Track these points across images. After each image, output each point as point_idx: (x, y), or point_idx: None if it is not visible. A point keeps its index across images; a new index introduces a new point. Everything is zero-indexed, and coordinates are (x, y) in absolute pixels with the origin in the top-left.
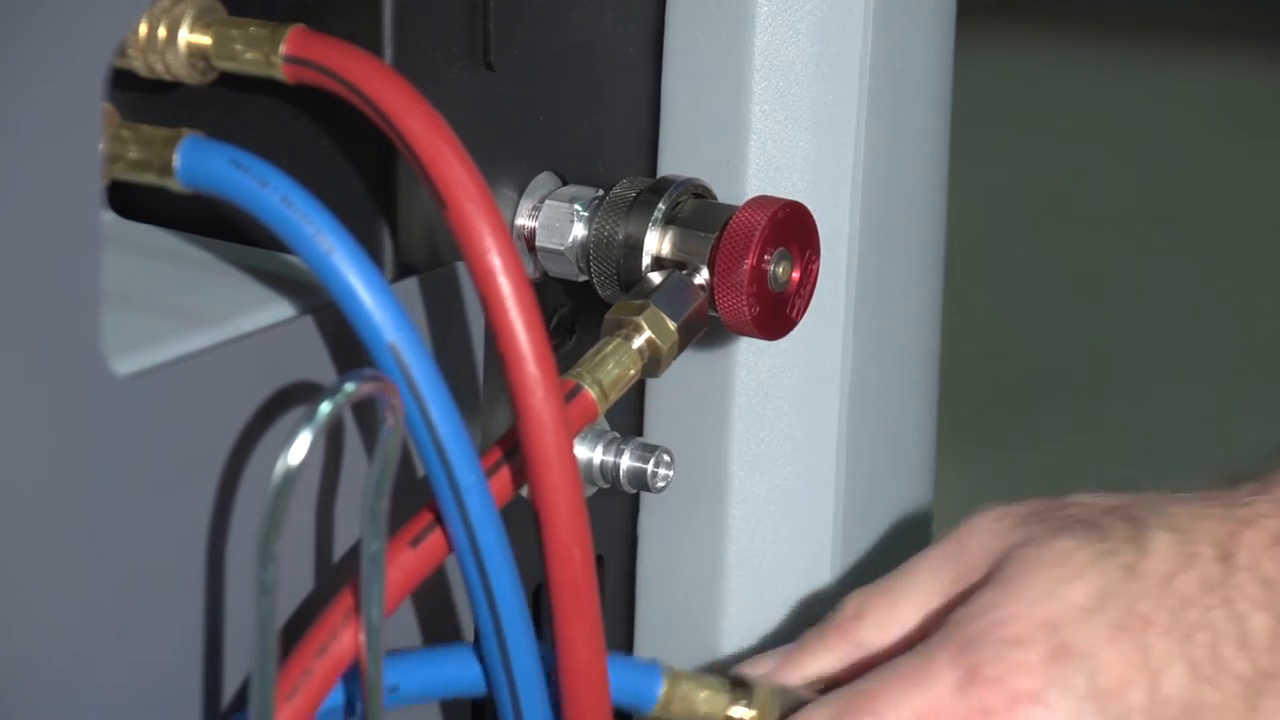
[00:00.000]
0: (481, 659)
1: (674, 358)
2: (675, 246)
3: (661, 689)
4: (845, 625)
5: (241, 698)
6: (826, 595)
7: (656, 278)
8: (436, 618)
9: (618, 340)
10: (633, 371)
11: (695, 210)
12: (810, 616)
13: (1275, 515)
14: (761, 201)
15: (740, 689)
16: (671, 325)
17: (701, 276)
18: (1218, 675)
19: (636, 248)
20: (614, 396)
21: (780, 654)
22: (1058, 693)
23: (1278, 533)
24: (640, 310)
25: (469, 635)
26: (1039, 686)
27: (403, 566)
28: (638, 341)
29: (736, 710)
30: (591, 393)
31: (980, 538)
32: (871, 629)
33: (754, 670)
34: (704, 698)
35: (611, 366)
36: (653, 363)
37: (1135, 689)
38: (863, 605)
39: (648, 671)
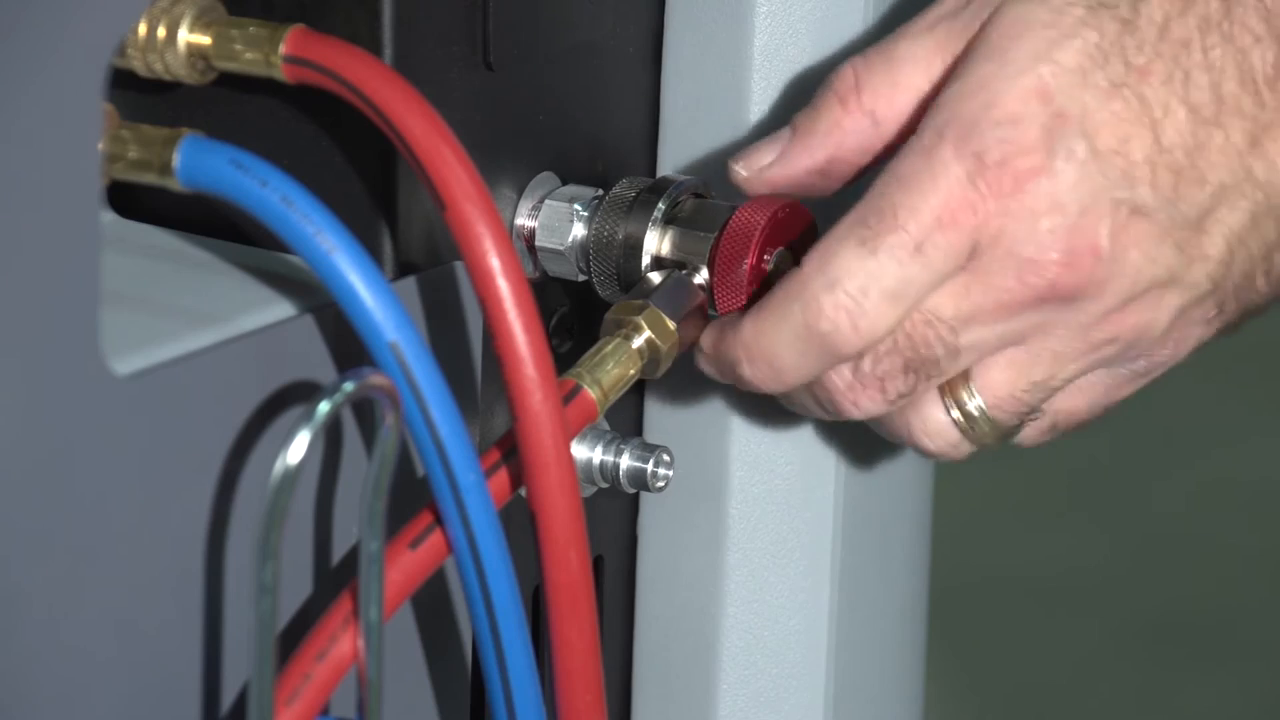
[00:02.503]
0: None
1: (674, 358)
2: (675, 246)
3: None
4: (847, 98)
5: (241, 699)
6: (826, 595)
7: (656, 277)
8: (435, 619)
9: (617, 340)
10: (632, 371)
11: (695, 210)
12: (809, 617)
13: None
14: (762, 201)
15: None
16: (671, 325)
17: (701, 276)
18: (1220, 115)
19: (636, 248)
20: (614, 397)
21: (779, 141)
22: (1061, 162)
23: None
24: (640, 310)
25: (467, 637)
26: (1041, 160)
27: (403, 569)
28: (637, 341)
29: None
30: (591, 393)
31: None
32: (878, 98)
33: (754, 162)
34: (611, 366)
35: (611, 366)
36: (652, 363)
37: (1136, 142)
38: (860, 73)
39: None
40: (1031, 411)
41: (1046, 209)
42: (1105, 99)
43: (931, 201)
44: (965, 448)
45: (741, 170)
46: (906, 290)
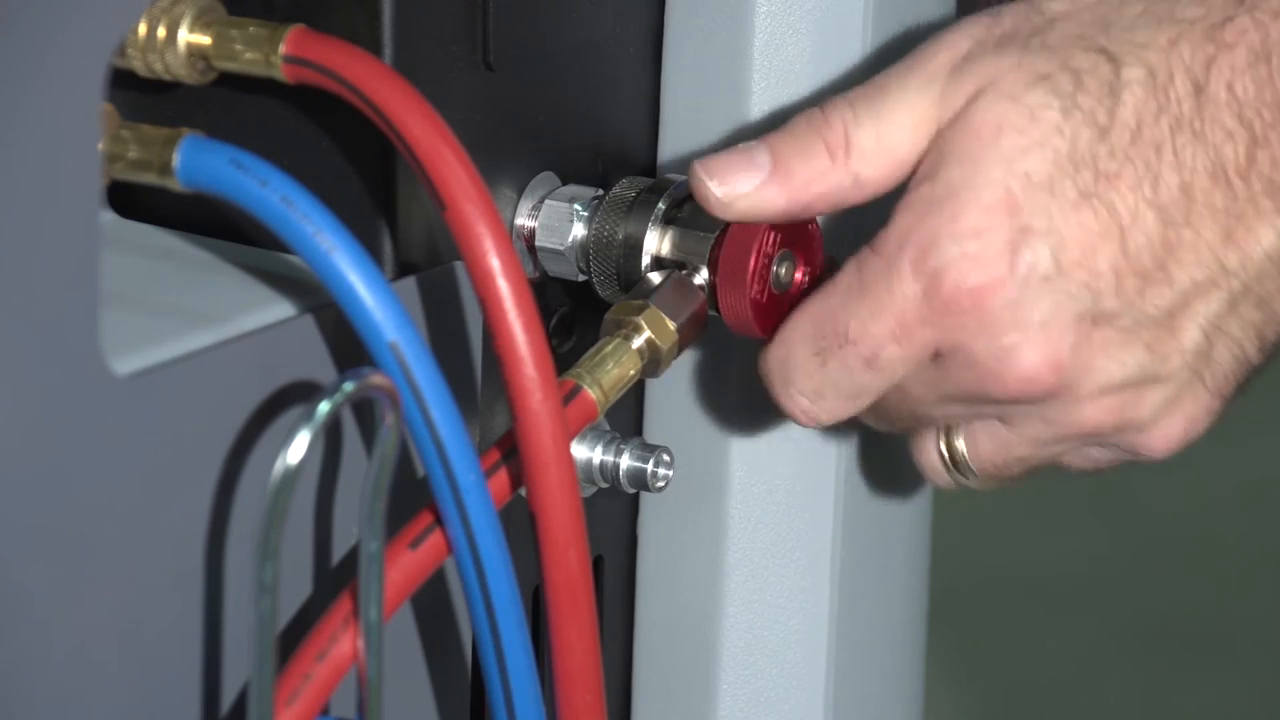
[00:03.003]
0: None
1: (674, 358)
2: (675, 246)
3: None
4: (835, 153)
5: (241, 699)
6: (826, 595)
7: (656, 278)
8: (435, 619)
9: (617, 340)
10: (632, 372)
11: (695, 210)
12: (809, 617)
13: (1255, 29)
14: None
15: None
16: (671, 325)
17: (701, 276)
18: (1190, 214)
19: (636, 248)
20: (614, 397)
21: (756, 170)
22: (1023, 278)
23: (1258, 49)
24: (640, 310)
25: (467, 637)
26: (1003, 276)
27: (403, 569)
28: (637, 341)
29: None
30: (591, 393)
31: (969, 60)
32: (864, 161)
33: (729, 187)
34: (611, 367)
35: (611, 366)
36: (652, 363)
37: (1102, 253)
38: (850, 131)
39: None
40: (1018, 478)
41: (1007, 326)
42: (1073, 210)
43: (885, 318)
44: (955, 482)
45: (716, 190)
46: (864, 392)
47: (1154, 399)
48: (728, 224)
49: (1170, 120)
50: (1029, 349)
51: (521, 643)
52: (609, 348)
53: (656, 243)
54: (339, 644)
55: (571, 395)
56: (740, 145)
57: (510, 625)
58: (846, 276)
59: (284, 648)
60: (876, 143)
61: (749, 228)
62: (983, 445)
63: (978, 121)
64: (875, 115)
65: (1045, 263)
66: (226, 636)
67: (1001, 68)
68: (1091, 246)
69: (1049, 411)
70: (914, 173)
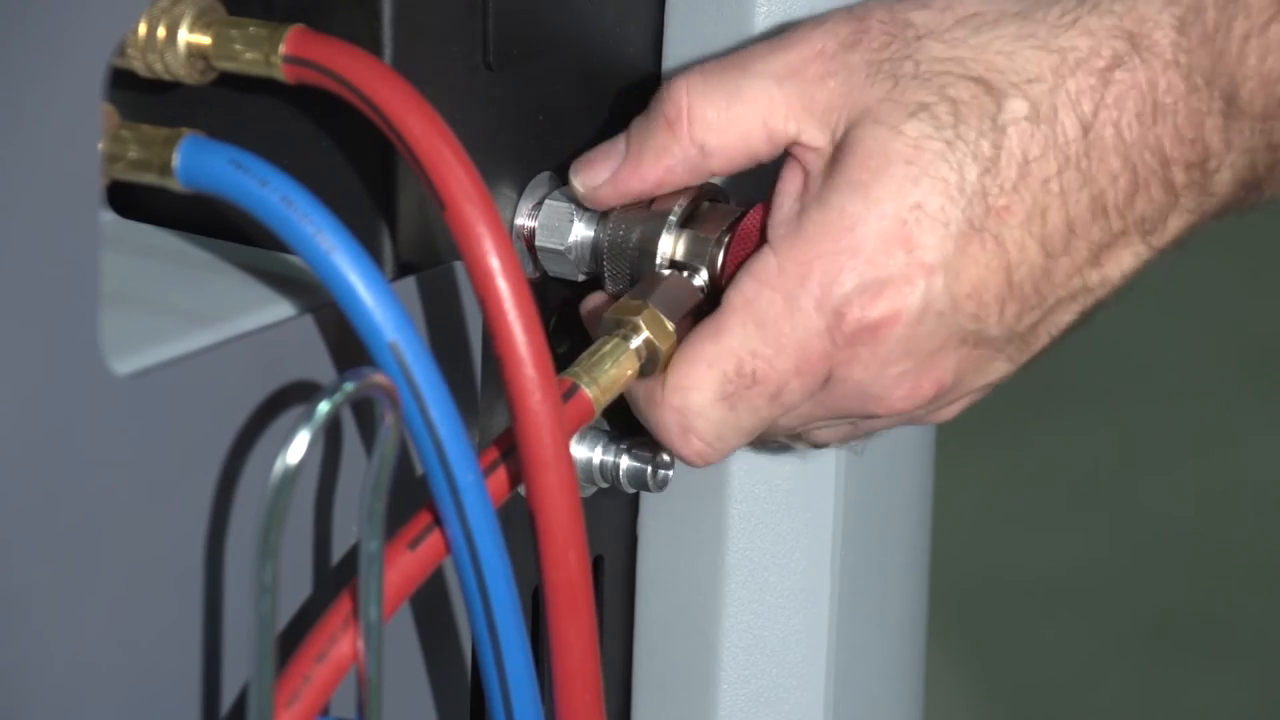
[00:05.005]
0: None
1: (672, 358)
2: (688, 250)
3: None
4: (676, 124)
5: (241, 699)
6: (826, 595)
7: (665, 273)
8: (435, 619)
9: (615, 340)
10: (630, 372)
11: (707, 213)
12: (809, 617)
13: (1144, 76)
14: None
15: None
16: (670, 326)
17: (701, 278)
18: (1069, 245)
19: (650, 250)
20: (611, 396)
21: (613, 157)
22: (918, 314)
23: (1145, 93)
24: (638, 310)
25: (467, 637)
26: (899, 310)
27: (401, 569)
28: (635, 342)
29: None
30: (588, 392)
31: (832, 74)
32: (709, 131)
33: (589, 179)
34: (609, 366)
35: (608, 366)
36: (650, 363)
37: (990, 285)
38: (694, 102)
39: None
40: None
41: (899, 356)
42: (965, 244)
43: (790, 354)
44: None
45: (579, 185)
46: (761, 426)
47: (988, 387)
48: (737, 225)
49: (1058, 157)
50: (918, 377)
51: (520, 643)
52: (607, 347)
53: (670, 246)
54: (339, 645)
55: (569, 394)
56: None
57: (508, 625)
58: (737, 315)
59: (284, 648)
60: (724, 116)
61: (752, 231)
62: (824, 437)
63: (863, 150)
64: (729, 91)
65: (940, 298)
66: (226, 636)
67: (875, 95)
68: (981, 279)
69: (907, 416)
70: (779, 175)
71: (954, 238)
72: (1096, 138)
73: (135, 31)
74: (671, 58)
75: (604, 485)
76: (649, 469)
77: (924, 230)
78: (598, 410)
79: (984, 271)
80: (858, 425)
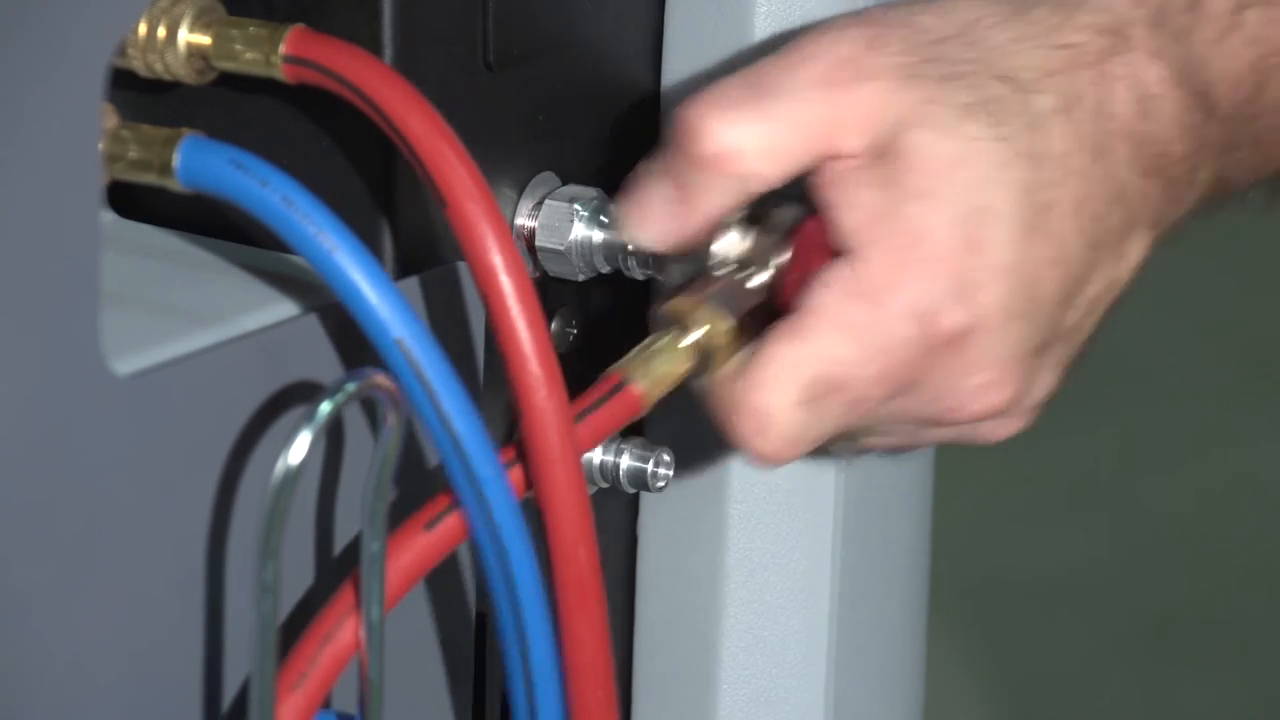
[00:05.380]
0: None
1: (729, 359)
2: (749, 250)
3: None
4: (722, 163)
5: (242, 699)
6: (826, 595)
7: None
8: (438, 616)
9: (670, 336)
10: (684, 368)
11: (763, 213)
12: (809, 617)
13: (1137, 65)
14: None
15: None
16: (727, 324)
17: (762, 278)
18: (1103, 237)
19: (706, 249)
20: (662, 392)
21: (660, 204)
22: (995, 318)
23: (1134, 87)
24: (695, 307)
25: (470, 633)
26: (976, 318)
27: (417, 550)
28: (691, 338)
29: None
30: (638, 387)
31: (864, 79)
32: (757, 160)
33: (650, 234)
34: (662, 362)
35: (661, 362)
36: (705, 360)
37: (1050, 283)
38: (732, 137)
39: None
40: None
41: (981, 364)
42: (1029, 243)
43: (875, 362)
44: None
45: (643, 242)
46: (833, 432)
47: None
48: (795, 227)
49: (1086, 147)
50: (998, 386)
51: (545, 634)
52: (660, 343)
53: (729, 246)
54: (343, 629)
55: (615, 390)
56: (647, 176)
57: (535, 617)
58: (820, 320)
59: (285, 647)
60: (766, 143)
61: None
62: (876, 444)
63: (920, 156)
64: (765, 117)
65: (1013, 299)
66: (227, 637)
67: (914, 98)
68: (1042, 277)
69: (970, 429)
70: (829, 183)
71: (1020, 237)
72: (1108, 127)
73: (135, 31)
74: (671, 58)
75: (604, 485)
76: (649, 469)
77: (993, 232)
78: (646, 406)
79: (1048, 269)
80: (917, 434)
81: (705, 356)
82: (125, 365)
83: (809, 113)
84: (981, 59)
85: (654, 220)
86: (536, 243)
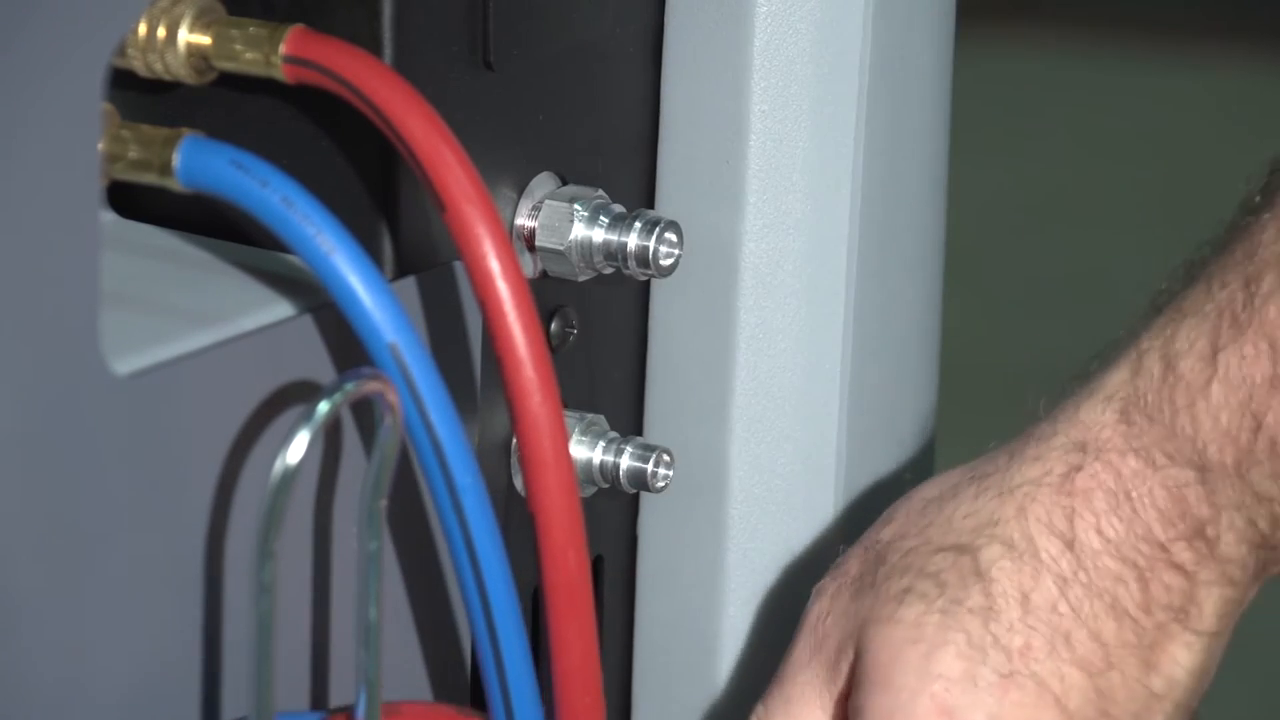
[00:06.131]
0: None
1: None
2: None
3: None
4: None
5: (241, 699)
6: None
7: None
8: (434, 619)
9: None
10: None
11: None
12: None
13: (1105, 471)
14: None
15: None
16: None
17: None
18: (1110, 658)
19: None
20: None
21: None
22: None
23: (1114, 489)
24: None
25: (465, 636)
26: None
27: None
28: None
29: None
30: None
31: (835, 623)
32: None
33: None
34: None
35: None
36: None
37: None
38: None
39: None
40: None
41: None
42: (1002, 693)
43: None
44: None
45: None
46: None
47: None
48: None
49: (1054, 579)
50: None
51: (519, 645)
52: None
53: None
54: None
55: None
56: None
57: (508, 627)
58: None
59: (283, 648)
60: None
61: None
62: None
63: (872, 652)
64: (785, 698)
65: None
66: (226, 636)
67: (865, 606)
68: (1035, 718)
69: None
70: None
71: (990, 692)
72: (1083, 548)
73: (135, 31)
74: (671, 57)
75: (604, 485)
76: (649, 469)
77: (958, 696)
78: None
79: (1034, 713)
80: None
81: None
82: (125, 365)
83: (812, 692)
84: (928, 540)
85: None
86: (536, 243)
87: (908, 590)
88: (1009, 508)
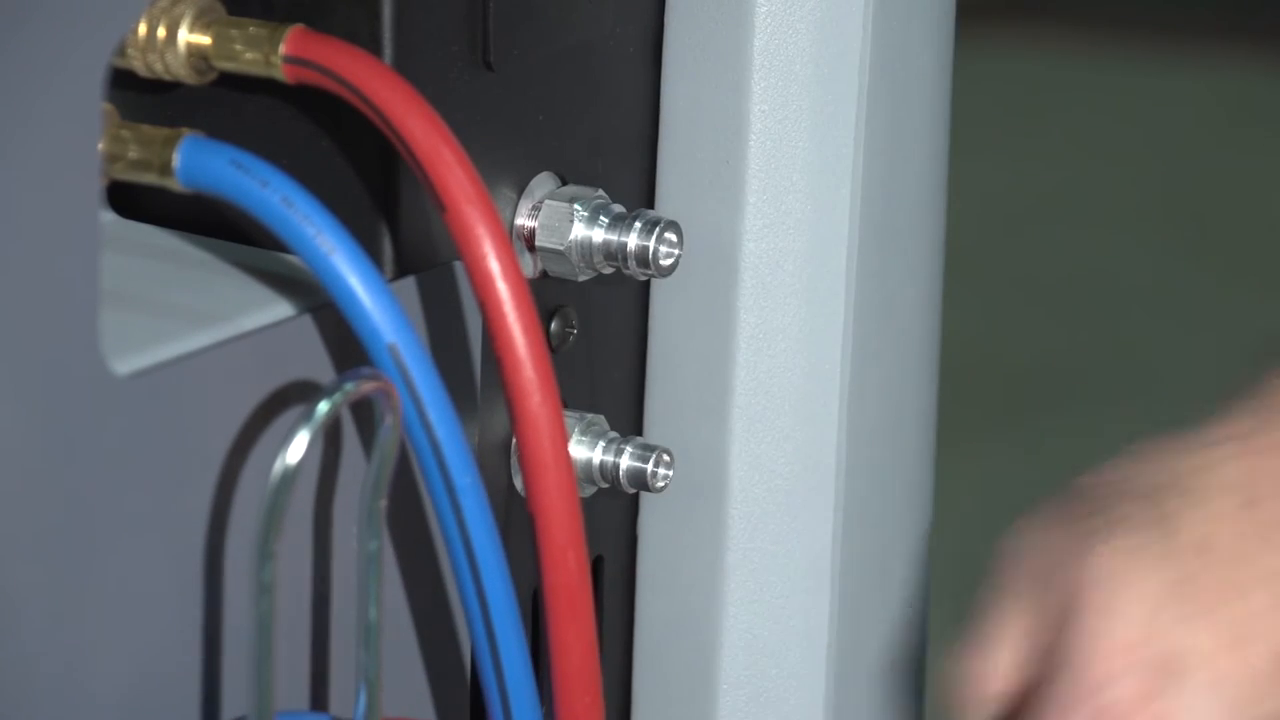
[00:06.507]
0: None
1: None
2: None
3: None
4: (975, 695)
5: (241, 699)
6: (826, 595)
7: None
8: (434, 619)
9: None
10: None
11: None
12: (810, 617)
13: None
14: None
15: None
16: None
17: None
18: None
19: None
20: None
21: None
22: (1194, 709)
23: None
24: None
25: (465, 637)
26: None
27: None
28: None
29: None
30: None
31: (1042, 556)
32: (989, 684)
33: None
34: None
35: None
36: None
37: (1254, 646)
38: (965, 686)
39: None
40: None
41: None
42: (1211, 625)
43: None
44: None
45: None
46: None
47: None
48: None
49: (1256, 529)
50: None
51: (518, 647)
52: None
53: None
54: None
55: None
56: None
57: (506, 629)
58: None
59: (283, 648)
60: (992, 671)
61: None
62: None
63: (1088, 578)
64: (985, 656)
65: (1203, 682)
66: (226, 637)
67: (1074, 537)
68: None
69: None
70: None
71: (1199, 630)
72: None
73: (135, 31)
74: (671, 57)
75: (604, 485)
76: (649, 469)
77: (1168, 624)
78: None
79: (1239, 647)
80: None
81: None
82: (125, 365)
83: (1022, 619)
84: (1142, 501)
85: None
86: (536, 243)
87: (1126, 518)
88: (1241, 458)
